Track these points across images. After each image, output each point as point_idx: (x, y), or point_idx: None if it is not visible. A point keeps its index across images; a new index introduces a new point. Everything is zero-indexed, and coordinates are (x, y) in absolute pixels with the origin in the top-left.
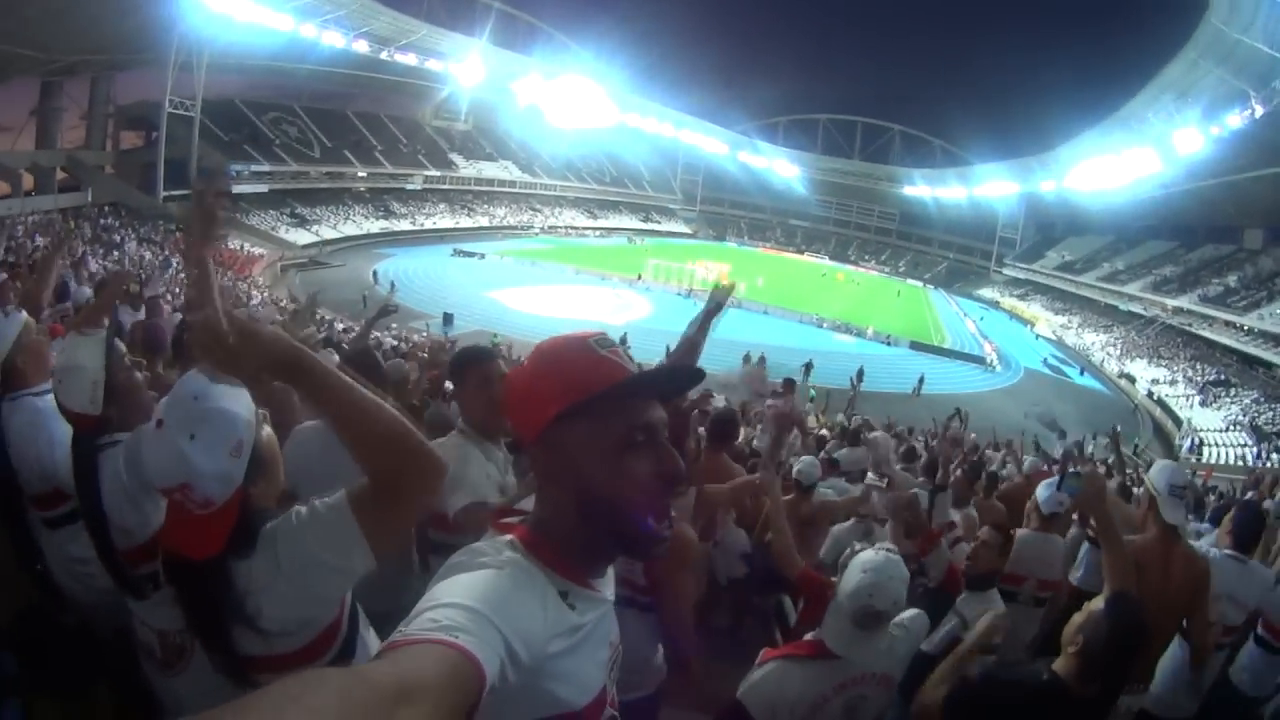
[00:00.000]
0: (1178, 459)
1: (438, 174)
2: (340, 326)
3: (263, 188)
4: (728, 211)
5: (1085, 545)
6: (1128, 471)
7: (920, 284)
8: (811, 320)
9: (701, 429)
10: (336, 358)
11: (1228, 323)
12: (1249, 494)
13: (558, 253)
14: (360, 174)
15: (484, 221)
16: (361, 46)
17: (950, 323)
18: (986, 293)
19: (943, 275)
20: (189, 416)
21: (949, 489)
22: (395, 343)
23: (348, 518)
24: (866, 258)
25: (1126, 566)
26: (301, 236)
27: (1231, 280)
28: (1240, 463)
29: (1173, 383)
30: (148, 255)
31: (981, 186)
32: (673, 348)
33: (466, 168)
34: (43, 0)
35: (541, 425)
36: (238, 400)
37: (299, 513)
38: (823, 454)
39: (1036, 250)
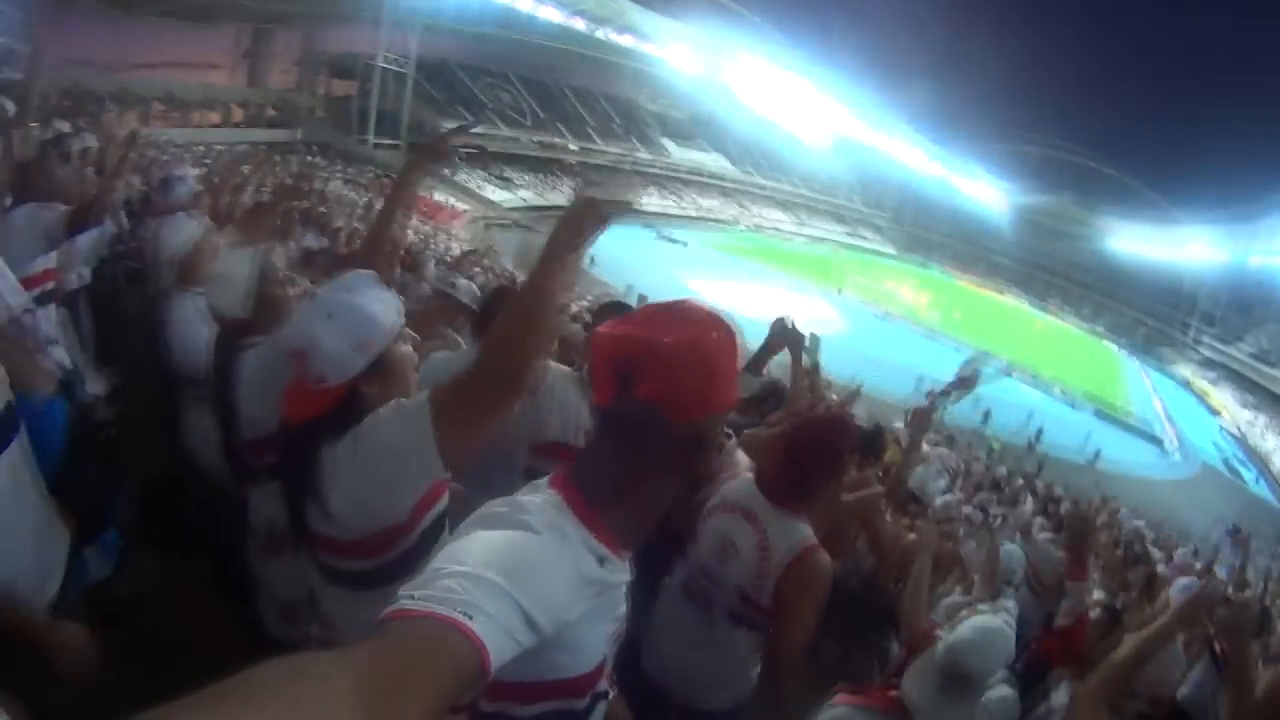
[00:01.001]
0: None
1: (649, 157)
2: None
3: (472, 148)
4: (935, 237)
5: (1204, 661)
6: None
7: (1116, 346)
8: (1001, 365)
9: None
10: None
11: None
12: None
13: (760, 252)
14: (571, 146)
15: (690, 210)
16: (578, 24)
17: (1137, 394)
18: (1179, 369)
19: (1139, 341)
20: (335, 301)
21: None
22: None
23: (424, 413)
24: (1067, 309)
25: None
26: (506, 199)
27: None
28: None
29: None
30: (350, 195)
31: (1190, 249)
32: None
33: (678, 154)
34: None
35: (704, 415)
36: (384, 307)
37: (386, 405)
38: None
39: (1235, 330)
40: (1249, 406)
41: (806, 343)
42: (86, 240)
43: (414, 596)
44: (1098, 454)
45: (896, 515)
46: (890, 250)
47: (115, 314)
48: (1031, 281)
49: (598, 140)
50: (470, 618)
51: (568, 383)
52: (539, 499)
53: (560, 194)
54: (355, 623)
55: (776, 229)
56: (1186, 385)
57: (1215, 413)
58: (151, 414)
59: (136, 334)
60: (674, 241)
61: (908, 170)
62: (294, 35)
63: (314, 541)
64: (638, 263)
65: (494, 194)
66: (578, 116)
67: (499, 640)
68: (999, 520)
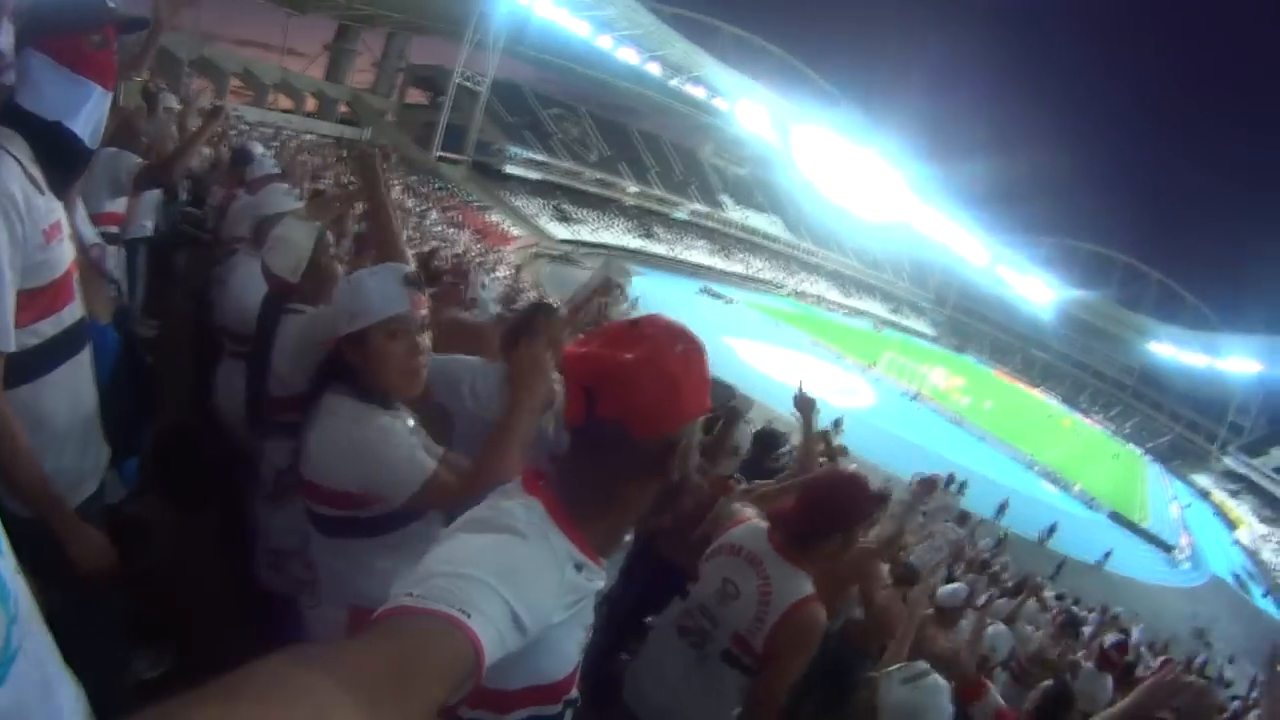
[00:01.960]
0: None
1: (705, 209)
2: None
3: (534, 175)
4: (975, 324)
5: None
6: None
7: (1140, 451)
8: (1024, 459)
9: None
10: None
11: None
12: None
13: (801, 319)
14: (630, 189)
15: (739, 268)
16: (654, 69)
17: (1156, 501)
18: (1200, 479)
19: (1165, 448)
20: (355, 276)
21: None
22: None
23: (426, 472)
24: (1097, 409)
25: None
26: (560, 231)
27: None
28: None
29: None
30: (409, 202)
31: (1225, 360)
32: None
33: (734, 211)
34: None
35: (672, 427)
36: (384, 293)
37: (402, 421)
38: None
39: (1263, 443)
40: (1267, 521)
41: (831, 425)
42: (155, 196)
43: (412, 594)
44: (1108, 555)
45: (898, 588)
46: (929, 332)
47: (168, 270)
48: (1065, 377)
49: (658, 186)
50: (468, 616)
51: None
52: (521, 505)
53: (612, 233)
54: (332, 570)
55: (821, 297)
56: (1206, 496)
57: (1233, 525)
58: (184, 366)
59: (184, 293)
60: (718, 297)
61: (956, 254)
62: (378, 37)
63: (304, 487)
64: (679, 313)
65: (547, 224)
66: (641, 160)
67: (492, 640)
68: (985, 600)
